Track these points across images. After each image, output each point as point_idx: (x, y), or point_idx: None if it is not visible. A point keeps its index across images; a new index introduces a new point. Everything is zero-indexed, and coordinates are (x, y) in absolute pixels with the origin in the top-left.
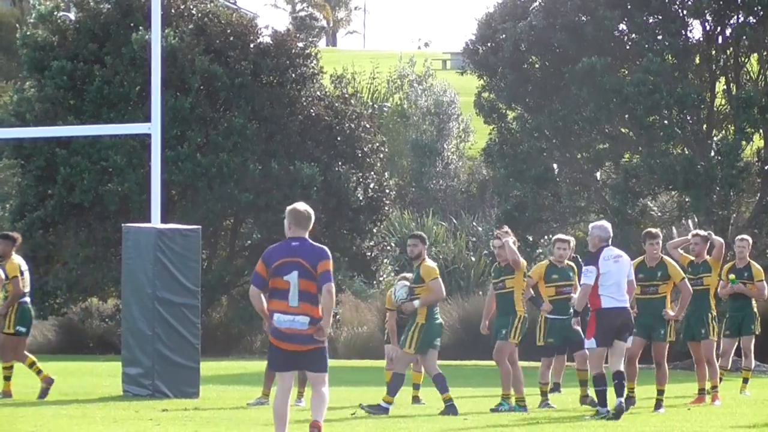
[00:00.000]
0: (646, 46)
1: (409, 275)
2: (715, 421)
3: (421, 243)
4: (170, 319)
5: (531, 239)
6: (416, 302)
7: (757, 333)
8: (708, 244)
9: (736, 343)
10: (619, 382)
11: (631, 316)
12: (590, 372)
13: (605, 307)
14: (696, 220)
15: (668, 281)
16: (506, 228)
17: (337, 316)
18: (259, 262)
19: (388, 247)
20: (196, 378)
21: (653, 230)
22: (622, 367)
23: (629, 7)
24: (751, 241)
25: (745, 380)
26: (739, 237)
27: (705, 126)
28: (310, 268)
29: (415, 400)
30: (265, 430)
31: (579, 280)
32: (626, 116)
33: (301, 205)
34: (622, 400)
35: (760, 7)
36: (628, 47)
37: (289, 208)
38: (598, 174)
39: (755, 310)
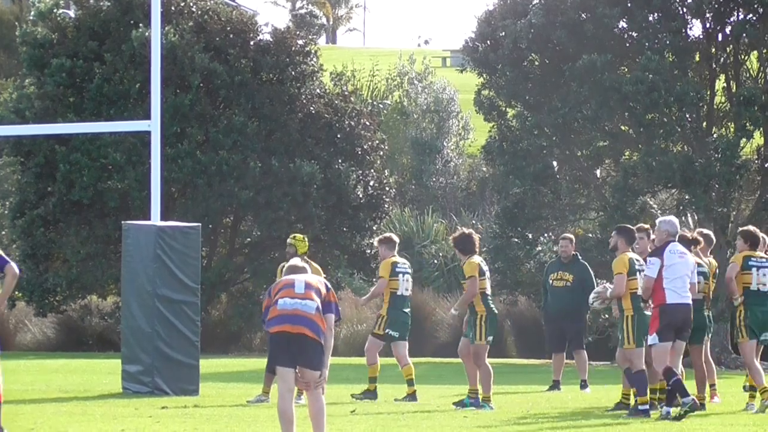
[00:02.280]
0: (646, 44)
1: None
2: (714, 419)
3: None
4: (170, 317)
5: (530, 236)
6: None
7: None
8: (712, 243)
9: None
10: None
11: (691, 315)
12: (657, 368)
13: (669, 302)
14: (696, 217)
15: None
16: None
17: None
18: (265, 300)
19: None
20: (195, 375)
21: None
22: (680, 369)
23: (629, 5)
24: None
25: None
26: None
27: (705, 124)
28: (316, 277)
29: (411, 397)
30: (264, 428)
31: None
32: (626, 114)
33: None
34: (690, 398)
35: (759, 5)
36: (628, 45)
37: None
38: (597, 171)
39: None
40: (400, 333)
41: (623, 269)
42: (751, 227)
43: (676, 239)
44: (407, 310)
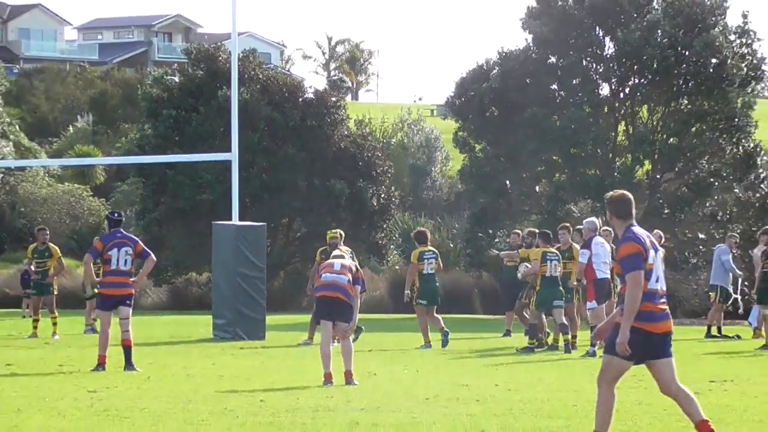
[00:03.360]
0: (571, 100)
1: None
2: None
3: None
4: (246, 287)
5: (491, 232)
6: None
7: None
8: (570, 234)
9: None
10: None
11: (612, 285)
12: (596, 323)
13: (600, 278)
14: (602, 219)
15: (573, 260)
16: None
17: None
18: (314, 275)
19: (394, 238)
20: (263, 326)
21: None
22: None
23: (560, 73)
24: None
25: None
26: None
27: (611, 155)
28: (350, 260)
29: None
30: (310, 362)
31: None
32: (557, 149)
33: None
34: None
35: (649, 73)
36: (558, 101)
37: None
38: (537, 188)
39: None
40: None
41: (538, 257)
42: (545, 231)
43: (596, 234)
44: None
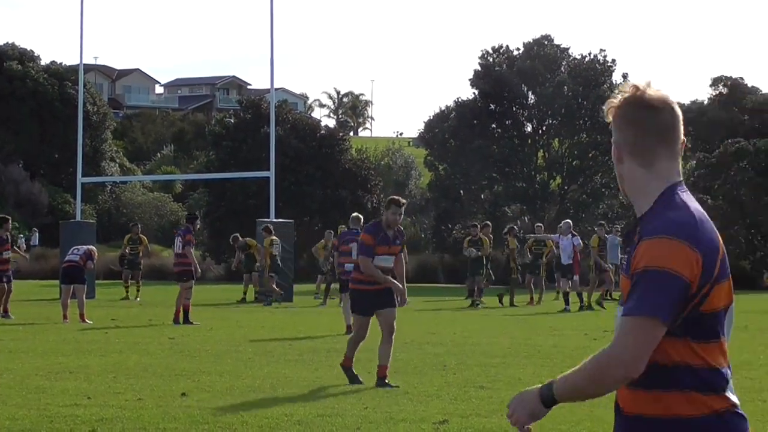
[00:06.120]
0: (505, 135)
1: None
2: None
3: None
4: (279, 264)
5: (450, 227)
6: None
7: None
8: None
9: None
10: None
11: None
12: (583, 292)
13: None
14: (528, 218)
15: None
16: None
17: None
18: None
19: None
20: (291, 292)
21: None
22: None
23: (497, 117)
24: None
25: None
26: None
27: (534, 173)
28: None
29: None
30: (324, 318)
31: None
32: (496, 168)
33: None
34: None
35: (558, 116)
36: (496, 135)
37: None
38: (482, 195)
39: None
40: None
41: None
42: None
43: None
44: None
